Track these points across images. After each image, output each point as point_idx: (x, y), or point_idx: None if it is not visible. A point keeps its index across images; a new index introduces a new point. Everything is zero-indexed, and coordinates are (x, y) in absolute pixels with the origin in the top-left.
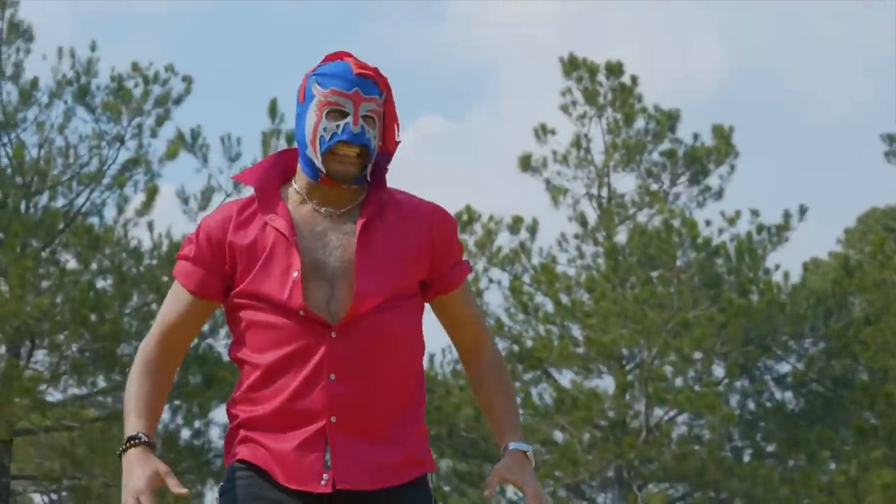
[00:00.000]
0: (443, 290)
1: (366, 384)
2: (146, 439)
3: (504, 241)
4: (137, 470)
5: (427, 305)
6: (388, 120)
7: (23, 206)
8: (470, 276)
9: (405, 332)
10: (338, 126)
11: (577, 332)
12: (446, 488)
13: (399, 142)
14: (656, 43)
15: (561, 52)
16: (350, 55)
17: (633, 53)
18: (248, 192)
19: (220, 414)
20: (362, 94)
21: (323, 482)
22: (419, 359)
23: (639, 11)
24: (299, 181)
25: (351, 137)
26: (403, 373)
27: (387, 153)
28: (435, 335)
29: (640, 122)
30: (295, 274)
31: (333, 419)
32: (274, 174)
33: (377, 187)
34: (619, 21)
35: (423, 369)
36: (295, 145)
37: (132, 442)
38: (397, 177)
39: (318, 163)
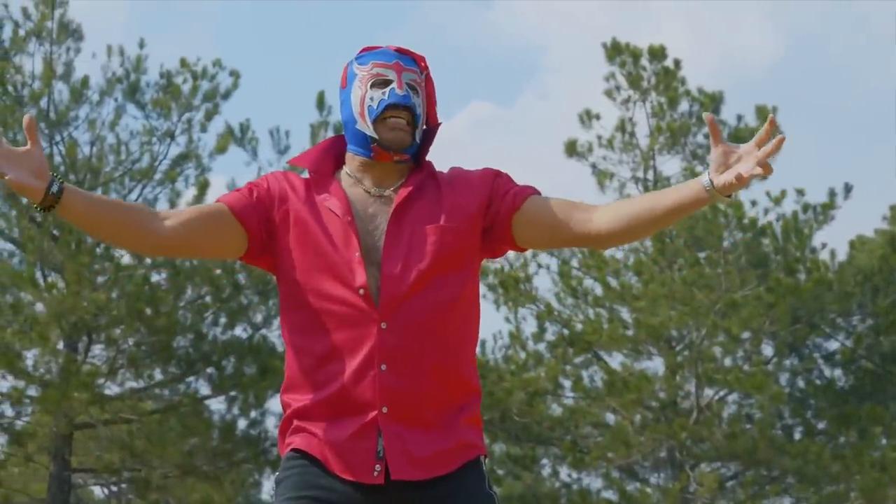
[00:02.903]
0: (512, 209)
1: (416, 374)
2: (59, 175)
3: None
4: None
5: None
6: (429, 99)
7: None
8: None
9: (453, 313)
10: (384, 93)
11: (626, 314)
12: (500, 472)
13: (440, 123)
14: (705, 22)
15: (608, 34)
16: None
17: (682, 34)
18: None
19: (275, 404)
20: (403, 65)
21: (375, 473)
22: (471, 339)
23: None
24: (350, 165)
25: (398, 99)
26: (454, 359)
27: (428, 133)
28: (484, 322)
29: (683, 105)
30: (356, 254)
31: (385, 409)
32: (329, 157)
33: (418, 166)
34: (665, 3)
35: (475, 352)
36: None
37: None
38: (448, 162)
39: (370, 131)
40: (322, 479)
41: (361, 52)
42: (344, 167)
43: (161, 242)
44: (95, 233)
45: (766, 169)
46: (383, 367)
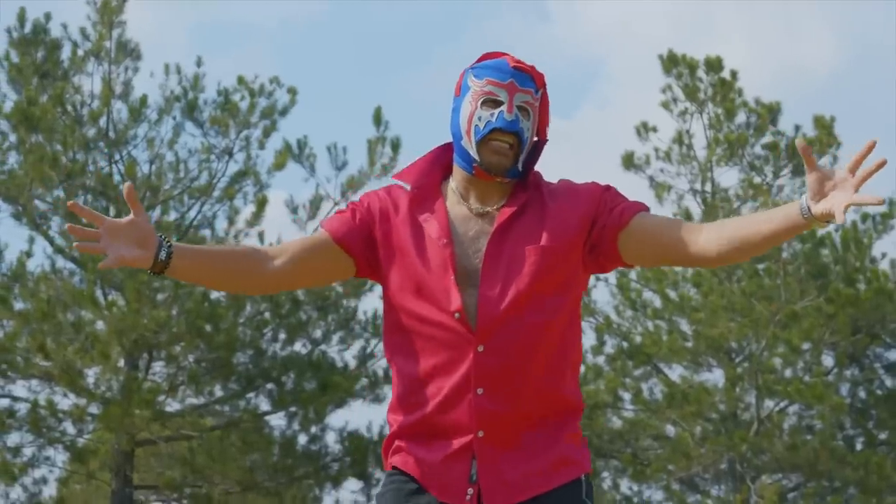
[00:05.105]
0: (618, 226)
1: (514, 397)
2: (166, 236)
3: None
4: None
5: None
6: (542, 115)
7: None
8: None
9: (553, 334)
10: (492, 114)
11: (685, 326)
12: None
13: (547, 140)
14: (765, 33)
15: (668, 47)
16: (507, 54)
17: (742, 45)
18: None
19: (335, 419)
20: (517, 85)
21: (468, 497)
22: (572, 358)
23: (748, 3)
24: (456, 177)
25: (505, 125)
26: (554, 380)
27: (537, 149)
28: None
29: (741, 117)
30: (451, 277)
31: (481, 434)
32: (436, 169)
33: (522, 184)
34: (726, 13)
35: (578, 368)
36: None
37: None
38: None
39: (473, 152)
40: (418, 499)
41: (480, 59)
42: (451, 179)
43: (271, 284)
44: (206, 285)
45: (874, 199)
46: (480, 390)
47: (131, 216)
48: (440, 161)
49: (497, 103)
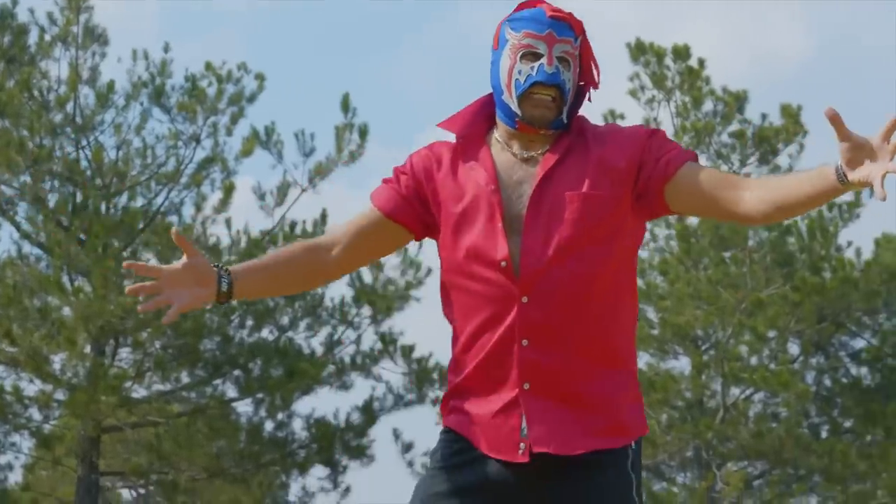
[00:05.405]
0: (664, 178)
1: (559, 349)
2: (220, 264)
3: None
4: (178, 262)
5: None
6: (585, 60)
7: (103, 208)
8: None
9: (599, 284)
10: (532, 68)
11: (652, 314)
12: None
13: (598, 83)
14: (735, 22)
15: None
16: (543, 1)
17: (712, 33)
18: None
19: (301, 406)
20: (556, 36)
21: (520, 451)
22: (623, 310)
23: None
24: (499, 128)
25: (546, 78)
26: (602, 332)
27: (585, 93)
28: None
29: (708, 105)
30: (499, 224)
31: (527, 386)
32: (480, 119)
33: (566, 131)
34: (700, 4)
35: (633, 324)
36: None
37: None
38: None
39: (515, 107)
40: (469, 455)
41: (516, 10)
42: (494, 130)
43: (334, 275)
44: (275, 295)
45: None
46: (525, 342)
47: (185, 259)
48: (485, 111)
49: (536, 56)
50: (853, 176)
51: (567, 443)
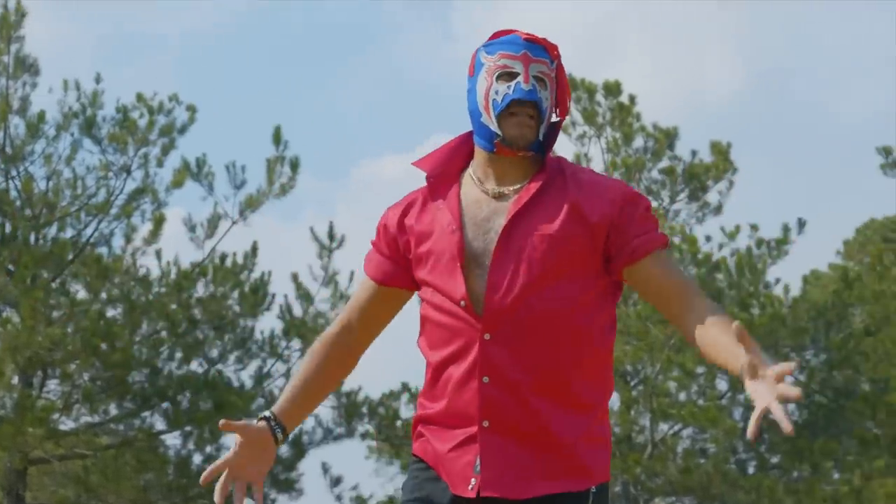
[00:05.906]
0: (627, 262)
1: (519, 388)
2: (267, 414)
3: None
4: (234, 446)
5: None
6: (560, 88)
7: (32, 238)
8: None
9: (565, 324)
10: (509, 87)
11: None
12: None
13: (568, 113)
14: (668, 59)
15: (568, 70)
16: (517, 30)
17: (646, 70)
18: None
19: (230, 439)
20: (531, 56)
21: (470, 487)
22: (592, 354)
23: (651, 26)
24: (476, 160)
25: (523, 95)
26: (564, 373)
27: (556, 127)
28: None
29: (639, 141)
30: (458, 265)
31: (486, 423)
32: (457, 156)
33: (542, 165)
34: (629, 37)
35: (603, 367)
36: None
37: (258, 418)
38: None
39: (494, 127)
40: (433, 485)
41: (491, 38)
42: (470, 167)
43: (362, 352)
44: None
45: (786, 425)
46: (485, 379)
47: (239, 439)
48: (461, 149)
49: (512, 75)
50: (747, 390)
51: (519, 486)
